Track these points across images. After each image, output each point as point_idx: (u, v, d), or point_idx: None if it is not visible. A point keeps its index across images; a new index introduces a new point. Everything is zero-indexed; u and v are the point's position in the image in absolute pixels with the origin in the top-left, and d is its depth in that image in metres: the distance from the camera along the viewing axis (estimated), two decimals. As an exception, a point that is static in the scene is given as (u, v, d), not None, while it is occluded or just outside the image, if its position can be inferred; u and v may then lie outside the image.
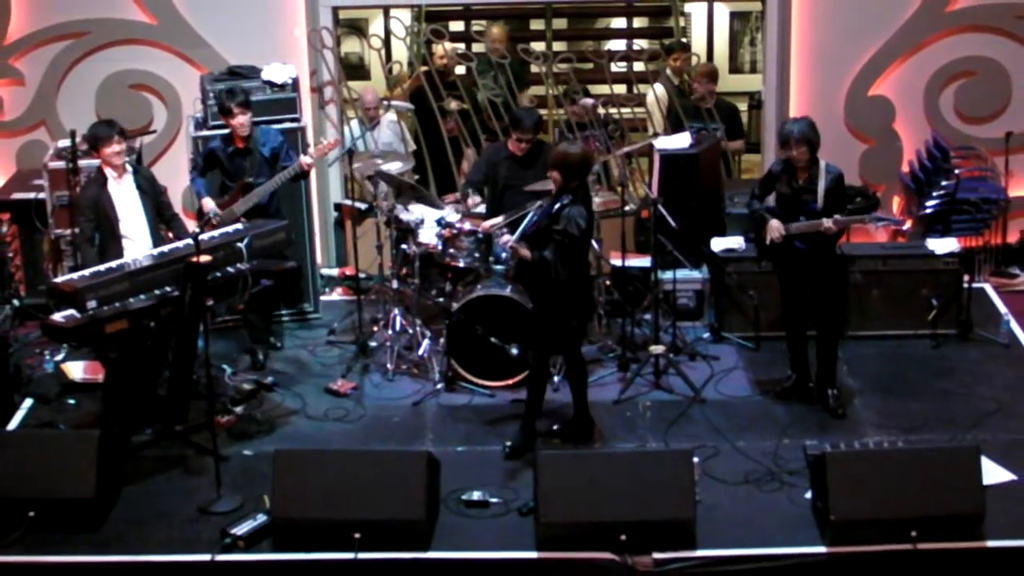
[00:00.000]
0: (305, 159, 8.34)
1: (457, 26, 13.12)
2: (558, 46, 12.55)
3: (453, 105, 10.35)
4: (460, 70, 11.05)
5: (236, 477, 7.21)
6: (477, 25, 11.80)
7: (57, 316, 6.99)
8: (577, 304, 7.29)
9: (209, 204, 8.25)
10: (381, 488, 6.57)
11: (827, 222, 7.49)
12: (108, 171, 7.72)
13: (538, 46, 11.61)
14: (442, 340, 8.26)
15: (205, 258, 7.15)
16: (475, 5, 12.80)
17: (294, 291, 9.15)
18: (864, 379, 8.27)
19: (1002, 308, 9.18)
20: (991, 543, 6.52)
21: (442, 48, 10.55)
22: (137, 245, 7.69)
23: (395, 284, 8.67)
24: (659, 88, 10.64)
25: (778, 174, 7.74)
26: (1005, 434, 7.56)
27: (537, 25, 13.63)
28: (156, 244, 7.71)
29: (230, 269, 7.41)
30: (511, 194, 8.34)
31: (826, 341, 7.90)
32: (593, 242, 8.57)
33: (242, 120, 8.25)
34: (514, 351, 8.00)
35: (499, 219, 7.69)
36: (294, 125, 9.02)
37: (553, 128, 10.76)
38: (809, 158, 7.53)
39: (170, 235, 7.99)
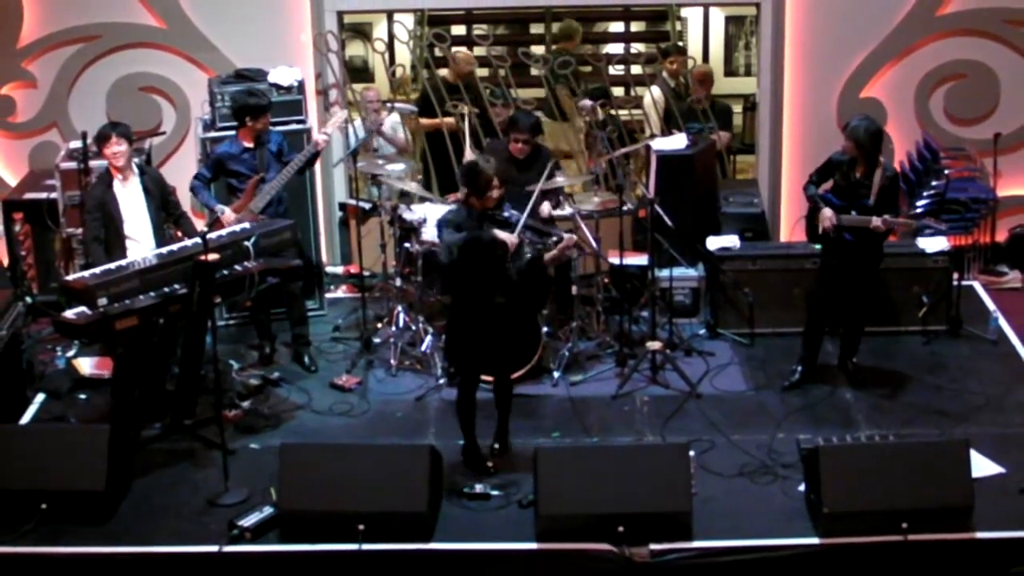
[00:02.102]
0: (320, 137, 8.34)
1: (459, 30, 13.12)
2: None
3: (464, 109, 10.31)
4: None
5: (243, 470, 7.20)
6: (478, 29, 11.79)
7: (69, 313, 6.99)
8: None
9: (229, 216, 8.14)
10: (385, 481, 6.57)
11: (876, 220, 7.50)
12: (114, 172, 7.72)
13: (538, 49, 11.61)
14: (444, 336, 8.25)
15: (213, 256, 7.15)
16: (476, 9, 12.80)
17: (306, 286, 9.09)
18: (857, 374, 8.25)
19: (991, 305, 9.17)
20: (980, 534, 6.51)
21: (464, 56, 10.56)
22: (141, 246, 7.68)
23: (398, 282, 8.66)
24: (656, 90, 10.65)
25: (838, 164, 7.76)
26: (994, 428, 7.56)
27: (537, 29, 13.65)
28: (160, 245, 7.70)
29: (237, 267, 7.41)
30: (510, 194, 8.32)
31: (855, 325, 8.05)
32: (592, 240, 8.59)
33: (267, 120, 8.26)
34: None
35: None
36: (300, 127, 9.01)
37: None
38: (856, 155, 7.59)
39: (179, 233, 7.98)
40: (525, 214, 7.07)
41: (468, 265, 6.79)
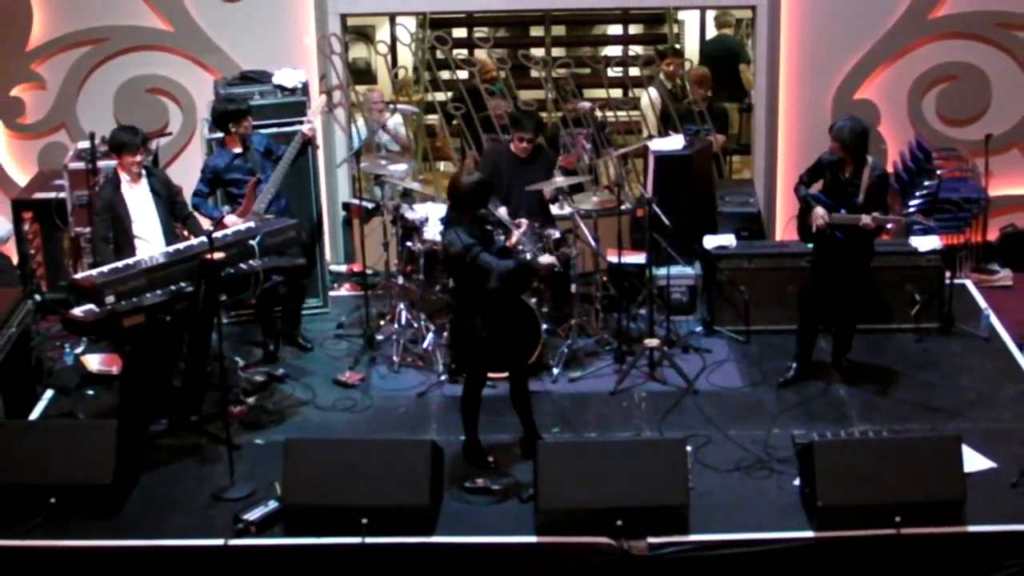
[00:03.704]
0: (306, 128, 8.35)
1: (460, 32, 13.10)
2: (557, 52, 12.55)
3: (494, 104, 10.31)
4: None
5: (248, 465, 7.20)
6: (479, 32, 11.78)
7: (77, 311, 6.97)
8: None
9: (232, 218, 8.14)
10: (387, 475, 6.57)
11: (866, 218, 7.50)
12: (123, 175, 7.70)
13: (538, 52, 11.59)
14: (445, 334, 8.25)
15: (218, 255, 7.14)
16: (477, 13, 12.77)
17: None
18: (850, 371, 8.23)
19: (982, 303, 9.15)
20: (971, 528, 6.52)
21: (489, 61, 10.54)
22: (150, 246, 7.66)
23: (401, 280, 8.65)
24: (653, 92, 10.63)
25: (827, 164, 7.75)
26: (985, 423, 7.55)
27: (537, 32, 13.63)
28: (169, 245, 7.68)
29: (243, 266, 7.40)
30: (515, 193, 8.33)
31: (847, 323, 8.05)
32: (591, 240, 8.59)
33: (249, 123, 8.28)
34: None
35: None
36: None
37: (551, 129, 10.74)
38: (843, 155, 7.59)
39: (185, 233, 7.97)
40: (497, 211, 7.18)
41: (511, 286, 6.90)
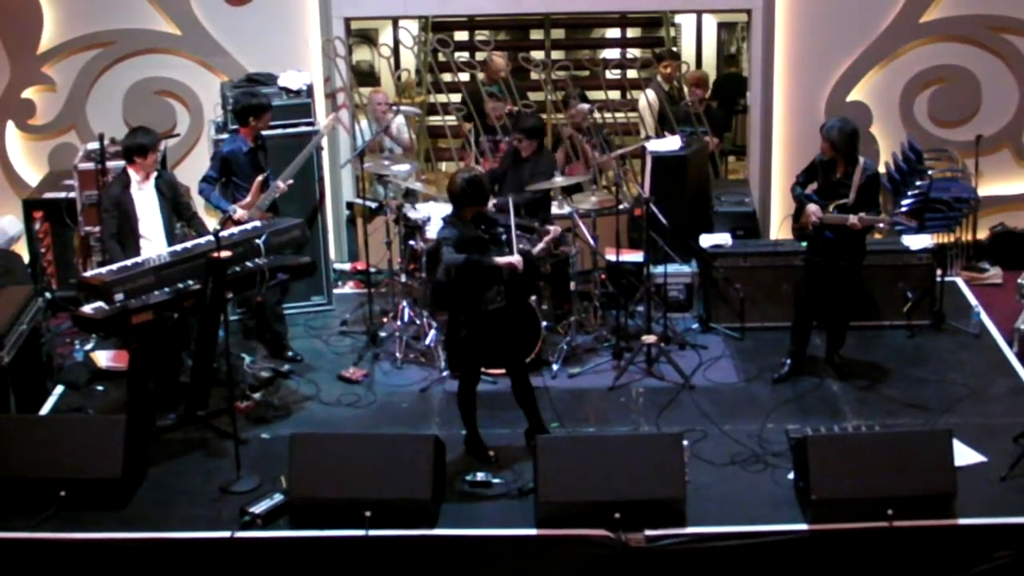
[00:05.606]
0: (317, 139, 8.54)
1: (462, 35, 13.11)
2: (556, 54, 12.55)
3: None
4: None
5: (254, 459, 7.19)
6: (480, 35, 11.78)
7: (86, 308, 6.99)
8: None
9: (243, 213, 8.13)
10: (390, 469, 6.57)
11: (853, 218, 7.50)
12: (132, 174, 7.68)
13: (537, 55, 11.58)
14: (445, 335, 8.23)
15: (225, 253, 7.15)
16: (479, 16, 12.78)
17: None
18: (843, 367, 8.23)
19: (973, 300, 9.15)
20: (962, 521, 6.51)
21: (500, 62, 10.52)
22: (153, 244, 7.66)
23: (403, 278, 8.65)
24: (650, 94, 10.63)
25: (820, 165, 7.75)
26: (975, 418, 7.55)
27: (537, 35, 13.64)
28: (171, 244, 7.68)
29: (248, 264, 7.40)
30: (504, 189, 8.35)
31: (839, 320, 8.05)
32: (590, 238, 8.58)
33: (268, 119, 8.29)
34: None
35: None
36: (308, 129, 8.99)
37: (552, 131, 10.74)
38: (833, 155, 7.60)
39: (192, 234, 7.97)
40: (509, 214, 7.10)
41: (464, 282, 6.81)
